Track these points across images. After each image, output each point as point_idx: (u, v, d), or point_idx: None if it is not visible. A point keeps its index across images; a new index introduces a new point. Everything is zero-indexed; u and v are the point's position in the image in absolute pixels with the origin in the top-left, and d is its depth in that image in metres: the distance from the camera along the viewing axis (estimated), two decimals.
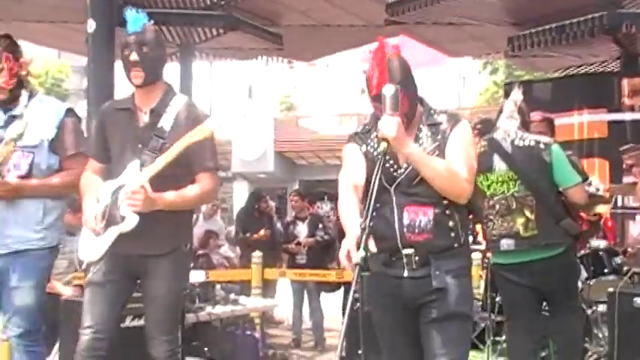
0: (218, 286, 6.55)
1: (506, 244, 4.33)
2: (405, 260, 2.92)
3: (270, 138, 21.71)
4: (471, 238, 6.15)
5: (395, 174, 2.95)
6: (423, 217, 2.89)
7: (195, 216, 10.63)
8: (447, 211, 2.92)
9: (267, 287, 8.83)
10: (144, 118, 3.47)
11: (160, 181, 3.26)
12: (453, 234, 2.94)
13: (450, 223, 2.93)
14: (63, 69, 35.36)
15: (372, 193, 2.70)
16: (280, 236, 9.62)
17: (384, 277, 2.95)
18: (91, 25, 5.60)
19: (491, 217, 4.38)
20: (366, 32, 10.15)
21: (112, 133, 3.53)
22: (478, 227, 8.11)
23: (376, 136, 2.96)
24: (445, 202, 2.92)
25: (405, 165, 2.93)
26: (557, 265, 4.32)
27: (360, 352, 3.14)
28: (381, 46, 2.94)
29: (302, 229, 8.93)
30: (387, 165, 2.91)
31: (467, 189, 2.94)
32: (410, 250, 2.90)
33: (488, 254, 5.91)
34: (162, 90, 3.49)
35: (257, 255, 7.98)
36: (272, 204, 10.83)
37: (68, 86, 34.25)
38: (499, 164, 4.36)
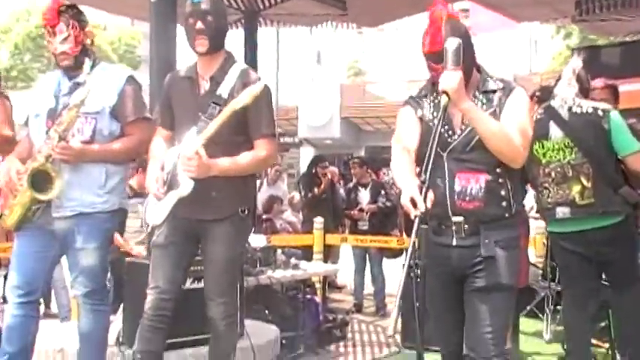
0: (279, 251, 6.67)
1: (561, 212, 4.30)
2: (454, 228, 2.91)
3: (337, 104, 21.76)
4: (535, 206, 6.12)
5: (449, 139, 2.93)
6: (474, 184, 2.87)
7: (259, 181, 10.83)
8: (500, 180, 2.89)
9: (330, 253, 8.95)
10: (205, 85, 3.57)
11: (219, 149, 3.37)
12: (504, 203, 2.91)
13: (502, 192, 2.90)
14: (135, 36, 36.05)
15: (430, 151, 2.67)
16: (343, 202, 9.70)
17: (433, 245, 2.92)
18: None
19: (547, 185, 4.35)
20: None
21: (176, 100, 3.66)
22: None
23: (432, 100, 2.99)
24: (498, 170, 2.89)
25: (459, 131, 2.92)
26: (614, 235, 4.26)
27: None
28: (438, 7, 2.91)
29: (364, 196, 8.97)
30: (442, 130, 2.86)
31: (522, 153, 2.90)
32: (460, 218, 2.89)
33: None
34: (222, 58, 3.59)
35: (319, 220, 8.08)
36: (334, 169, 10.87)
37: (141, 52, 34.88)
38: (555, 131, 4.31)
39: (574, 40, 30.72)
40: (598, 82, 4.91)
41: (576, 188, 4.24)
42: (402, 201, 2.70)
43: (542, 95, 4.85)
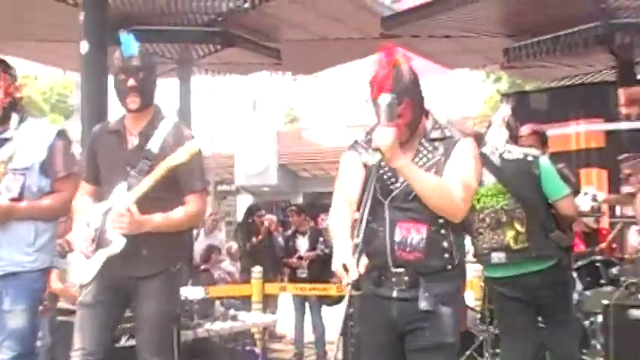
0: (218, 302, 6.57)
1: (497, 257, 4.35)
2: (394, 280, 2.80)
3: (274, 151, 21.78)
4: (472, 250, 6.19)
5: (391, 187, 2.84)
6: (415, 234, 2.77)
7: (195, 231, 10.70)
8: (442, 231, 2.80)
9: (269, 302, 8.86)
10: (133, 140, 3.51)
11: (149, 204, 3.31)
12: (446, 255, 2.81)
13: (444, 244, 2.81)
14: (68, 85, 35.51)
15: (364, 208, 2.62)
16: (281, 250, 9.64)
17: (374, 297, 2.84)
18: (84, 47, 5.64)
19: (481, 230, 4.40)
20: (363, 45, 10.16)
21: (102, 155, 3.58)
22: None
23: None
24: (441, 220, 2.80)
25: (402, 179, 2.83)
26: (549, 278, 4.33)
27: None
28: (388, 52, 2.83)
29: (302, 243, 8.95)
30: (385, 177, 2.81)
31: (461, 208, 2.80)
32: (400, 269, 2.79)
33: None
34: (151, 112, 3.54)
35: (257, 270, 8.01)
36: (272, 217, 10.84)
37: (73, 102, 34.38)
38: (488, 178, 4.38)
39: (503, 85, 31.53)
40: (525, 129, 5.04)
41: (510, 233, 4.30)
42: (333, 267, 2.62)
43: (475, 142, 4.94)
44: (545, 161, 4.36)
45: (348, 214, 2.84)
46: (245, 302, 7.88)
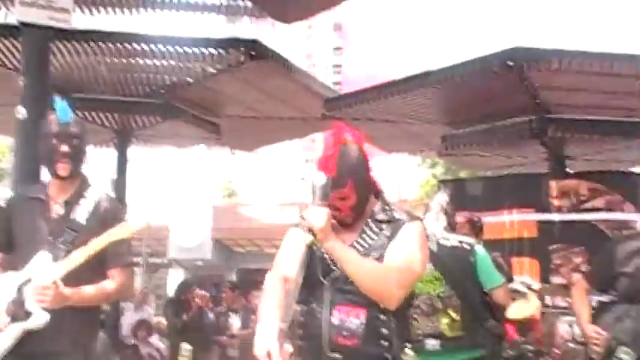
0: None
1: (431, 344, 4.31)
2: None
3: (209, 225, 21.56)
4: None
5: (332, 268, 2.73)
6: (354, 319, 2.65)
7: (122, 305, 10.41)
8: (382, 316, 2.68)
9: None
10: (57, 209, 3.38)
11: (70, 277, 3.15)
12: (385, 343, 2.68)
13: (384, 330, 2.68)
14: (0, 148, 34.81)
15: (296, 290, 2.55)
16: (212, 328, 9.43)
17: None
18: (21, 112, 5.53)
19: (416, 316, 4.37)
20: (305, 125, 10.30)
21: (19, 222, 3.40)
22: None
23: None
24: (381, 305, 2.67)
25: None
26: None
27: None
28: (336, 131, 2.78)
29: (235, 321, 8.80)
30: (325, 257, 2.71)
31: (395, 295, 2.65)
32: (337, 355, 2.66)
33: None
34: (78, 181, 3.45)
35: (186, 348, 7.80)
36: (204, 293, 10.64)
37: (4, 166, 33.66)
38: None
39: (439, 170, 32.22)
40: (459, 218, 5.11)
41: (445, 321, 4.29)
42: (255, 350, 2.51)
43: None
44: (480, 250, 4.40)
45: (280, 292, 2.73)
46: None
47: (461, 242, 4.40)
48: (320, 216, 2.62)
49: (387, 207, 2.86)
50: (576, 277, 7.79)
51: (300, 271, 2.65)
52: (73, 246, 3.22)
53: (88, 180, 3.51)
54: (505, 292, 4.51)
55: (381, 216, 2.82)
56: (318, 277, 2.68)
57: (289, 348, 2.51)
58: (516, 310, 5.05)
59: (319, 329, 2.68)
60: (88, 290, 3.24)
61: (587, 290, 3.79)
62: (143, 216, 3.29)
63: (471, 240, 4.49)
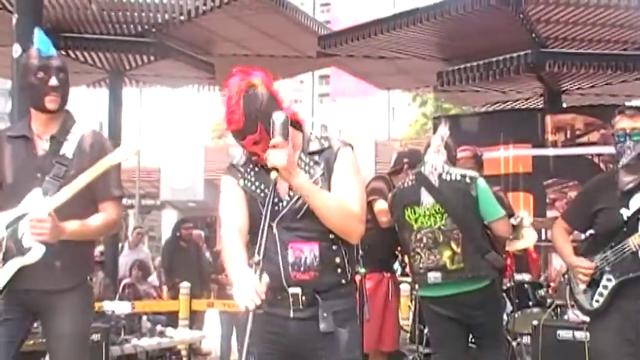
0: (145, 318, 6.44)
1: (433, 277, 4.38)
2: (291, 300, 2.71)
3: (201, 166, 21.56)
4: (399, 269, 6.24)
5: (276, 208, 2.72)
6: (309, 253, 2.70)
7: (120, 245, 10.48)
8: (334, 246, 2.74)
9: (195, 318, 8.71)
10: (43, 145, 3.33)
11: (61, 210, 3.12)
12: (339, 270, 2.76)
13: (337, 259, 2.75)
14: None
15: (263, 226, 2.54)
16: (209, 266, 9.51)
17: (270, 316, 2.72)
18: (17, 50, 5.47)
19: (419, 250, 4.43)
20: (299, 63, 10.23)
21: (6, 161, 3.34)
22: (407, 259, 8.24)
23: (252, 168, 2.79)
24: (332, 236, 2.72)
25: (287, 198, 2.73)
26: (483, 299, 4.39)
27: None
28: (235, 79, 2.68)
29: None
30: (271, 199, 2.67)
31: (359, 229, 2.74)
32: (296, 289, 2.69)
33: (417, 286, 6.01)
34: (62, 117, 3.39)
35: (185, 285, 7.87)
36: (200, 232, 10.72)
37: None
38: (426, 198, 4.41)
39: (429, 109, 32.17)
40: (466, 152, 5.12)
41: (447, 253, 4.34)
42: (235, 297, 2.49)
43: (411, 161, 5.01)
44: (482, 183, 4.43)
45: (240, 242, 2.73)
46: (171, 318, 7.73)
47: (463, 176, 4.42)
48: (282, 154, 2.59)
49: (313, 138, 2.84)
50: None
51: (247, 216, 2.74)
52: (64, 180, 3.19)
53: (72, 115, 3.45)
54: (506, 225, 4.55)
55: (311, 147, 2.81)
56: (265, 218, 2.62)
57: (266, 277, 2.51)
58: (515, 243, 5.13)
59: (276, 269, 2.70)
60: (80, 223, 3.21)
61: (566, 229, 3.81)
62: (132, 143, 3.24)
63: (473, 173, 4.51)
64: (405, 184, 4.61)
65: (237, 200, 2.80)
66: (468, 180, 4.39)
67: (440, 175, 4.42)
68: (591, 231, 3.70)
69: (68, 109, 3.44)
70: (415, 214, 4.45)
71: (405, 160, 5.18)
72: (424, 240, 4.41)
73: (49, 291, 3.25)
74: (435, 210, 4.40)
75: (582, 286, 3.62)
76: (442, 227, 4.36)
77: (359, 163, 2.87)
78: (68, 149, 3.30)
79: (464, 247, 4.33)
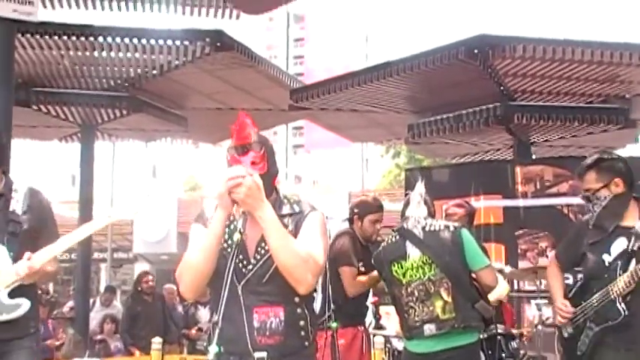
0: None
1: (429, 329, 4.32)
2: None
3: (174, 218, 21.45)
4: (373, 322, 6.20)
5: (244, 270, 2.71)
6: (274, 318, 2.71)
7: (92, 300, 10.33)
8: (298, 310, 2.76)
9: None
10: None
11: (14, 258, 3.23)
12: (303, 333, 2.77)
13: (301, 322, 2.77)
14: None
15: (225, 289, 2.52)
16: (180, 320, 9.38)
17: None
18: None
19: (412, 304, 4.39)
20: (271, 116, 10.30)
21: None
22: (382, 310, 8.20)
23: (228, 226, 2.74)
24: (297, 299, 2.73)
25: (254, 261, 2.72)
26: (467, 356, 4.36)
27: None
28: (241, 117, 2.76)
29: (203, 314, 8.76)
30: (237, 260, 2.67)
31: (309, 281, 2.68)
32: (262, 354, 2.68)
33: (396, 340, 5.98)
34: (3, 176, 3.45)
35: (157, 341, 7.75)
36: (172, 286, 10.55)
37: None
38: (412, 251, 4.42)
39: (402, 159, 32.47)
40: (460, 209, 5.25)
41: (439, 304, 4.32)
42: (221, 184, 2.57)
43: (360, 211, 5.05)
44: (466, 232, 4.46)
45: None
46: None
47: (447, 226, 4.45)
48: (246, 181, 2.57)
49: (286, 200, 2.86)
50: (544, 260, 7.98)
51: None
52: (19, 237, 3.27)
53: (7, 173, 3.54)
54: (492, 274, 4.54)
55: (284, 210, 2.81)
56: (231, 280, 2.60)
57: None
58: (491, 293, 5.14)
59: (241, 333, 2.69)
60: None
61: (559, 268, 3.86)
62: (125, 206, 3.35)
63: (456, 223, 4.56)
64: (388, 242, 4.64)
65: None
66: (452, 229, 4.43)
67: (424, 228, 4.44)
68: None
69: (4, 169, 3.50)
70: (402, 268, 4.45)
71: (356, 210, 5.22)
72: (416, 293, 4.38)
73: (5, 340, 3.27)
74: (422, 262, 4.40)
75: (570, 330, 3.64)
76: (432, 277, 4.35)
77: (327, 227, 2.89)
78: (17, 206, 3.37)
79: (454, 296, 4.31)
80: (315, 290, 3.13)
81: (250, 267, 2.71)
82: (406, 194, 4.87)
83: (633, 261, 3.39)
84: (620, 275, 3.41)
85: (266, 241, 2.68)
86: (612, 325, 3.44)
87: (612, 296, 3.43)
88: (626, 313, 3.39)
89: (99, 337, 9.18)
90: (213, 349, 2.40)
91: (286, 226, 2.74)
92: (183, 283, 2.74)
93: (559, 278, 3.85)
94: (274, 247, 2.62)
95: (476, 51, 7.15)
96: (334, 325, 4.48)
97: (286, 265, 2.63)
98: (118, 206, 3.35)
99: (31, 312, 3.31)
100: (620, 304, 3.40)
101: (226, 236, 2.74)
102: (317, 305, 4.51)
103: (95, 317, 9.73)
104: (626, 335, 3.43)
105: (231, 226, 2.72)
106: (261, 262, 2.71)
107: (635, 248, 3.43)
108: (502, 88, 8.00)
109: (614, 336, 3.46)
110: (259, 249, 2.72)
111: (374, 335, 6.55)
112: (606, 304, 3.47)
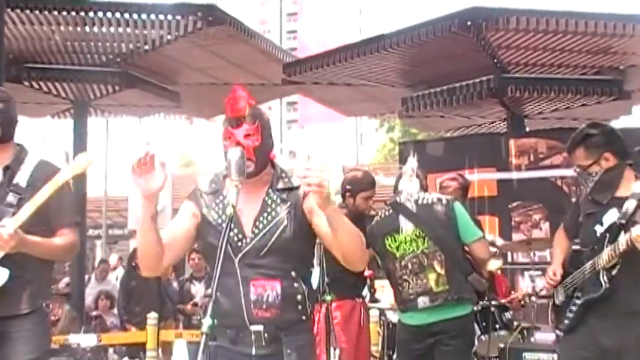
0: (111, 350, 6.36)
1: (422, 301, 4.36)
2: (253, 337, 2.70)
3: (168, 194, 21.44)
4: (368, 295, 6.23)
5: (240, 244, 2.71)
6: (270, 291, 2.69)
7: (87, 276, 10.36)
8: (295, 284, 2.75)
9: (164, 349, 8.60)
10: None
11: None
12: (300, 307, 2.76)
13: (298, 297, 2.75)
14: None
15: (218, 262, 2.44)
16: (175, 295, 9.40)
17: (232, 354, 2.73)
18: None
19: (406, 277, 4.41)
20: (264, 91, 10.26)
21: None
22: (376, 284, 8.23)
23: (221, 200, 2.77)
24: (293, 273, 2.74)
25: (251, 234, 2.72)
26: (462, 328, 4.36)
27: None
28: (236, 90, 2.75)
29: (199, 289, 8.78)
30: (232, 234, 2.66)
31: (365, 259, 2.85)
32: (259, 327, 2.69)
33: (390, 312, 6.00)
34: (14, 148, 3.42)
35: (152, 316, 7.77)
36: None
37: None
38: (405, 224, 4.44)
39: (396, 134, 32.44)
40: (453, 182, 5.25)
41: (432, 276, 4.35)
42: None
43: (353, 188, 4.99)
44: (459, 205, 4.48)
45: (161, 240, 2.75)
46: (139, 350, 7.61)
47: (439, 199, 4.48)
48: (325, 189, 2.56)
49: (283, 175, 2.85)
50: (537, 232, 8.03)
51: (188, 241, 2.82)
52: (18, 208, 3.19)
53: (24, 147, 3.47)
54: (484, 246, 4.57)
55: (280, 184, 2.81)
56: (228, 253, 2.59)
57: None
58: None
59: (237, 305, 2.69)
60: (43, 238, 3.24)
61: (565, 236, 3.87)
62: (83, 156, 3.27)
63: (448, 196, 4.59)
64: (382, 215, 4.65)
65: (185, 222, 2.81)
66: (444, 202, 4.45)
67: (416, 201, 4.46)
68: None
69: (20, 142, 3.46)
70: (396, 241, 4.47)
71: (348, 187, 5.14)
72: (409, 266, 4.41)
73: (3, 317, 3.21)
74: (415, 235, 4.42)
75: (561, 298, 3.67)
76: (425, 250, 4.38)
77: None
78: (22, 179, 3.32)
79: (447, 268, 4.34)
80: (312, 265, 3.09)
81: (247, 240, 2.70)
82: (400, 168, 4.88)
83: (622, 233, 3.37)
84: (606, 247, 3.41)
85: (264, 216, 2.73)
86: (594, 297, 3.44)
87: (597, 268, 3.43)
88: (607, 286, 3.38)
89: (94, 313, 9.19)
90: (207, 321, 2.36)
91: (285, 201, 2.75)
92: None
93: (562, 245, 3.85)
94: (347, 235, 2.68)
95: (469, 23, 7.12)
96: (328, 298, 4.48)
97: (357, 249, 2.74)
98: (74, 160, 3.25)
99: (23, 287, 3.23)
100: (603, 276, 3.40)
101: (220, 211, 2.75)
102: (314, 280, 4.53)
103: (91, 293, 9.76)
104: (607, 309, 3.43)
105: (225, 201, 2.72)
106: (259, 236, 2.71)
107: (623, 221, 3.41)
108: (495, 60, 7.98)
109: (596, 308, 3.46)
110: (257, 223, 2.72)
111: (369, 308, 6.59)
112: (591, 276, 3.47)
